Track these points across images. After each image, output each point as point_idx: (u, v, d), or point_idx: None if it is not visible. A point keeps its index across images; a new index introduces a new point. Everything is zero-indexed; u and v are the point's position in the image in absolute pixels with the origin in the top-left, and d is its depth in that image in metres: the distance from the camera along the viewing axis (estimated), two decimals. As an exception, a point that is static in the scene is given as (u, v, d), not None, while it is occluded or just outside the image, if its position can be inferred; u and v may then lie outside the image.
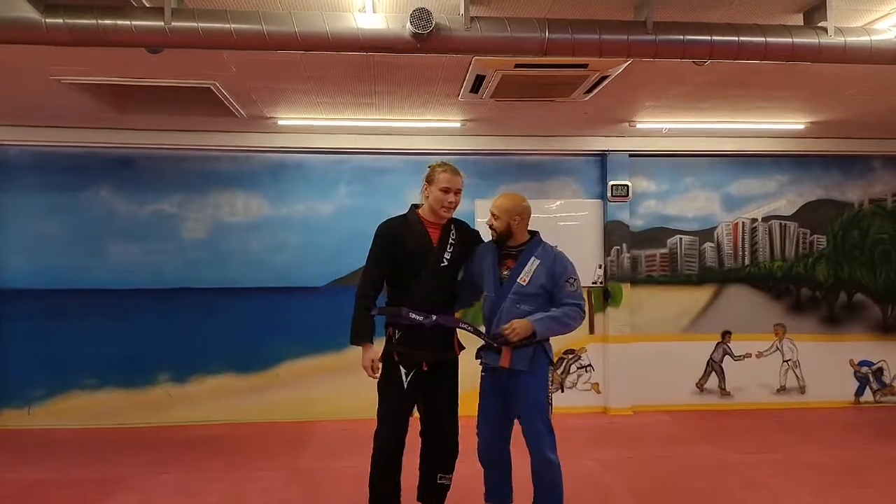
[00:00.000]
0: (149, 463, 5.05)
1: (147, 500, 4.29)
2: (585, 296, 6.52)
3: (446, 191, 3.41)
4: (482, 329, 3.50)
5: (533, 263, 3.41)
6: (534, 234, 3.55)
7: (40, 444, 5.63)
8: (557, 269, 3.40)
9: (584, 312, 3.40)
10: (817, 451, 5.28)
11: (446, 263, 3.48)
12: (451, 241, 3.50)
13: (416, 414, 3.54)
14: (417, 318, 3.32)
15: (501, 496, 3.56)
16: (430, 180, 3.47)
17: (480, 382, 3.54)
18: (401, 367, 3.41)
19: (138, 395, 6.28)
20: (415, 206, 3.60)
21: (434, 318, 3.34)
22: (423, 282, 3.42)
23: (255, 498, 4.32)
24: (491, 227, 3.49)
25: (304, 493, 4.41)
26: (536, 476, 3.40)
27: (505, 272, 3.47)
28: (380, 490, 3.44)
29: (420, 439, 3.56)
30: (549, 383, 3.39)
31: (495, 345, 3.37)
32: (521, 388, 3.36)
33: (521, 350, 3.32)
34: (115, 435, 5.90)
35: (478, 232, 3.72)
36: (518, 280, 3.41)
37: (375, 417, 3.48)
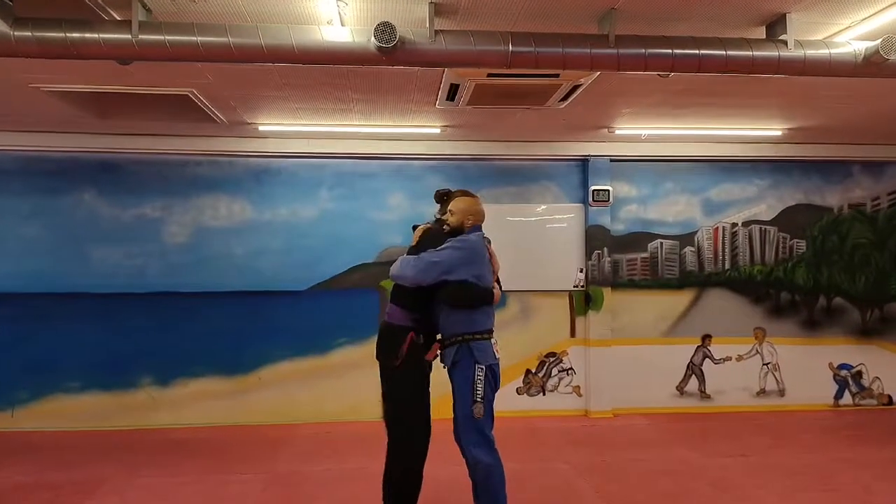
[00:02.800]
0: (128, 466, 5.10)
1: (123, 502, 4.34)
2: (567, 299, 6.78)
3: None
4: None
5: None
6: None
7: (23, 446, 5.67)
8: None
9: (414, 268, 3.39)
10: (791, 454, 5.34)
11: None
12: None
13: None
14: None
15: None
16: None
17: None
18: (426, 369, 3.56)
19: (122, 398, 6.32)
20: (440, 220, 3.70)
21: None
22: None
23: (231, 501, 4.36)
24: (446, 221, 3.64)
25: (281, 496, 4.45)
26: (470, 472, 3.42)
27: None
28: (409, 491, 3.52)
29: None
30: (476, 381, 3.39)
31: None
32: (452, 380, 3.51)
33: (448, 349, 3.48)
34: (99, 438, 5.95)
35: None
36: None
37: (383, 421, 3.57)
